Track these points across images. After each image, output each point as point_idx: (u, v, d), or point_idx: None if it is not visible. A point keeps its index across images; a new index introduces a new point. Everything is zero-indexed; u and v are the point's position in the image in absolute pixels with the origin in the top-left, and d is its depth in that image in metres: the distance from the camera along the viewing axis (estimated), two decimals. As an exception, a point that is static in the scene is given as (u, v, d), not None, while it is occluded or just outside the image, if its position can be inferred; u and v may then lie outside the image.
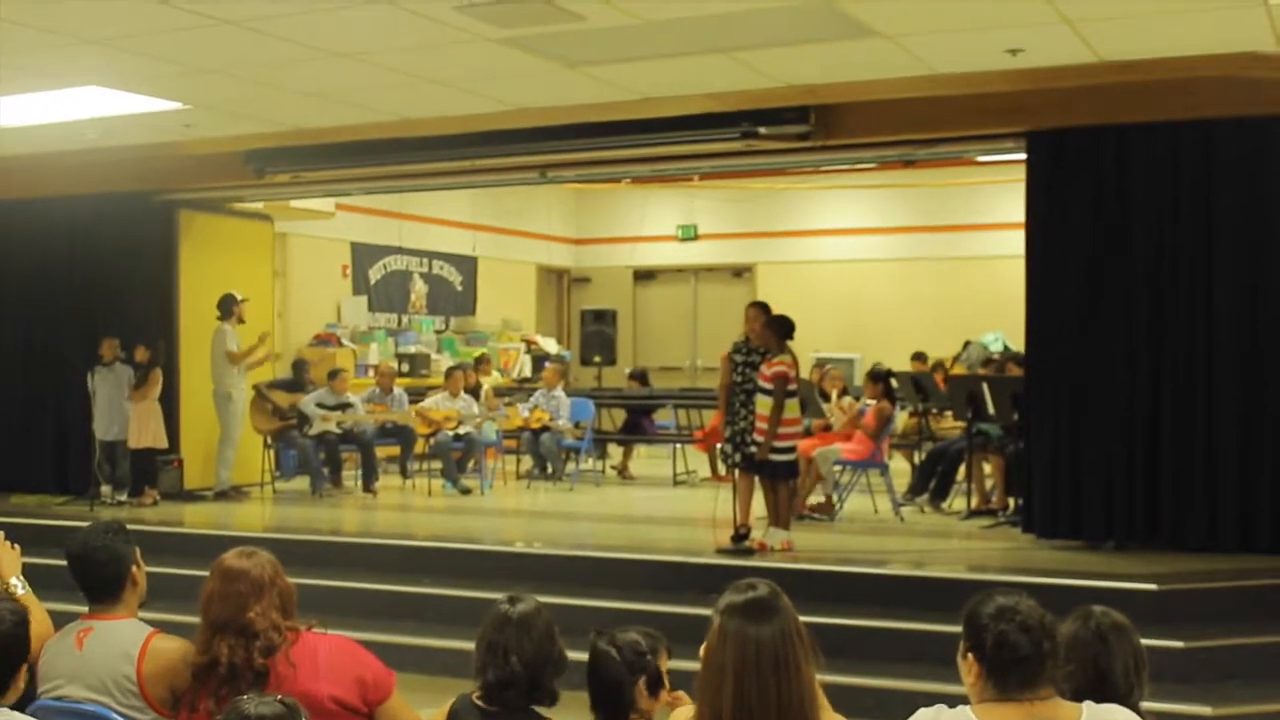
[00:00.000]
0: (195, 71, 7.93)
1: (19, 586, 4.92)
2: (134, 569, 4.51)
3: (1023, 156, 9.94)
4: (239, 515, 12.76)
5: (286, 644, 4.05)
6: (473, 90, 8.73)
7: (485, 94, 8.85)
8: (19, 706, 4.42)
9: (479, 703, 3.91)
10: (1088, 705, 3.25)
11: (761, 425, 9.63)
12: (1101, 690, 3.42)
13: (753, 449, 9.69)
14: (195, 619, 4.42)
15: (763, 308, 10.15)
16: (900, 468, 13.74)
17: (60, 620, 4.57)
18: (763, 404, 9.65)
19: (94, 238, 13.26)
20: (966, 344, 16.17)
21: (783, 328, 9.80)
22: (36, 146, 10.87)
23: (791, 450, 9.82)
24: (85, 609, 4.48)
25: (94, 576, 4.47)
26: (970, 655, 3.29)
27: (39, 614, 4.80)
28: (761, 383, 9.68)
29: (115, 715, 4.23)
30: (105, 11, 6.81)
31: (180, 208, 13.56)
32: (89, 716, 4.26)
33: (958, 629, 3.31)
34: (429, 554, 10.37)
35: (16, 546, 5.11)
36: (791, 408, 9.72)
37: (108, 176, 12.51)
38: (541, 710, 3.86)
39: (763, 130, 9.95)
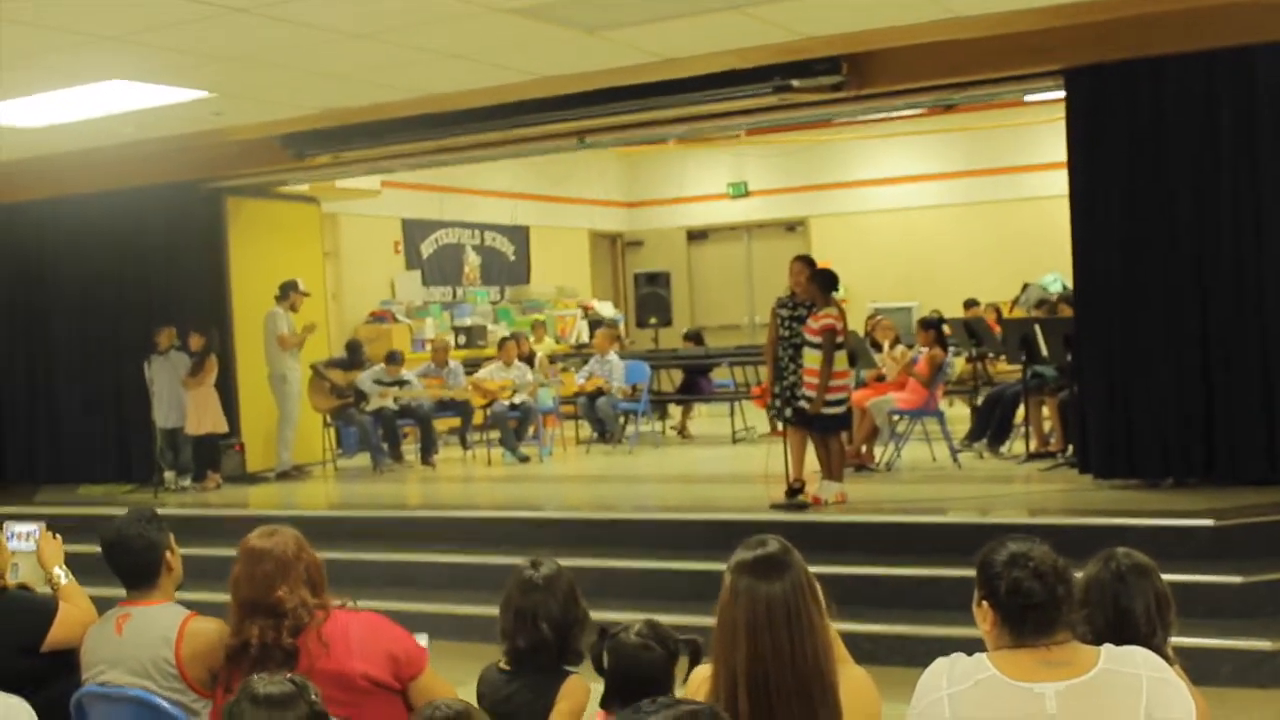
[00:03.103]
0: (215, 60, 7.95)
1: (62, 576, 5.01)
2: (168, 554, 4.57)
3: (1065, 96, 9.79)
4: (301, 494, 12.91)
5: (317, 622, 4.07)
6: (495, 63, 8.70)
7: (508, 66, 8.81)
8: (65, 694, 4.53)
9: (505, 667, 3.94)
10: (1106, 648, 3.21)
11: (810, 379, 9.58)
12: (1123, 632, 3.38)
13: (803, 403, 9.65)
14: None
15: (807, 261, 10.08)
16: (960, 414, 13.65)
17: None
18: (810, 358, 9.60)
19: (144, 229, 13.37)
20: (1025, 287, 16.02)
21: (827, 280, 9.74)
22: (77, 144, 10.97)
23: (842, 403, 9.77)
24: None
25: (129, 564, 4.54)
26: (985, 603, 3.26)
27: (82, 602, 4.90)
28: (809, 336, 9.63)
29: (157, 698, 4.29)
30: (119, 6, 6.84)
31: (227, 194, 13.65)
32: (132, 701, 4.33)
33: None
34: (485, 525, 10.43)
35: (59, 537, 5.21)
36: (840, 360, 9.67)
37: (153, 168, 12.61)
38: (569, 669, 3.89)
39: (795, 83, 9.85)
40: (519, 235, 20.53)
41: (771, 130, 19.01)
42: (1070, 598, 3.20)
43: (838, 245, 20.30)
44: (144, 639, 4.38)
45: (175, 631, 4.37)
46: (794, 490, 9.69)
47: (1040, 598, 3.15)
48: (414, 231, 18.62)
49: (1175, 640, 3.58)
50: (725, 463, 13.51)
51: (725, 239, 22.37)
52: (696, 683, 3.45)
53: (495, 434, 14.16)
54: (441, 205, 18.83)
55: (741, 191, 21.88)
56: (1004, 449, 12.03)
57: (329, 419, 14.12)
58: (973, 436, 12.25)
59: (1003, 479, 10.97)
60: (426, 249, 18.86)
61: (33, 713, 3.60)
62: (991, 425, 12.08)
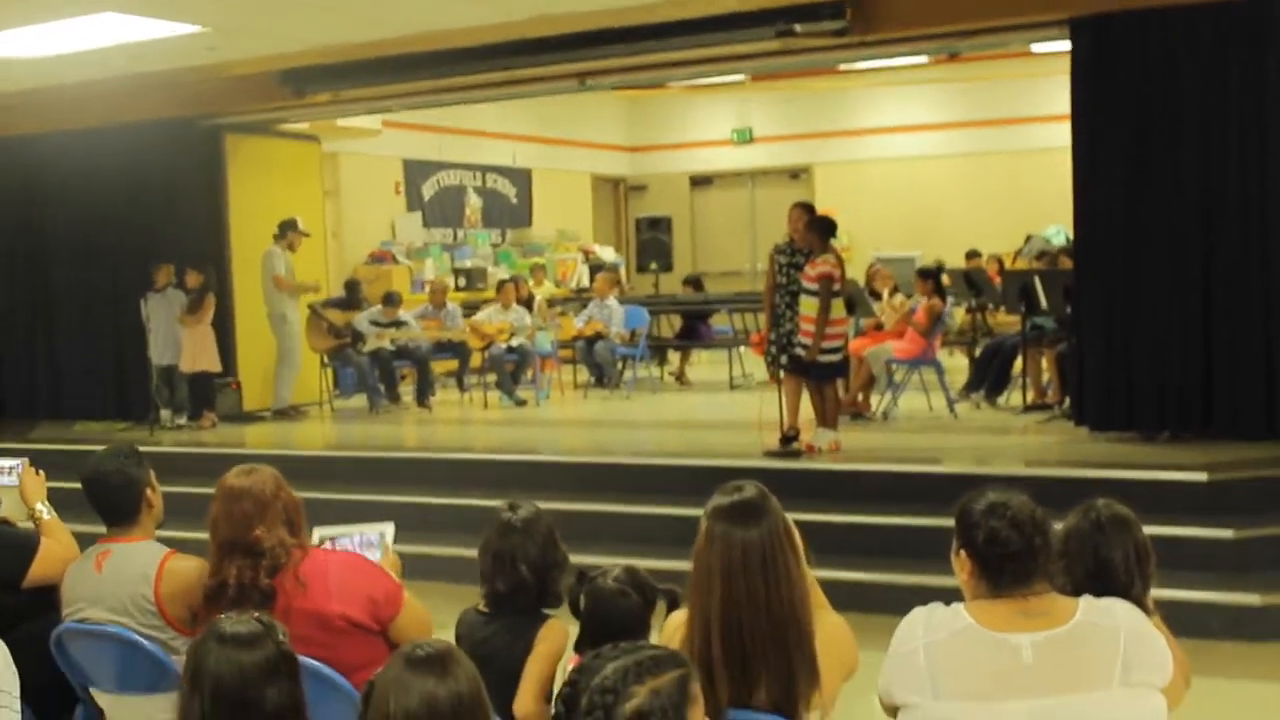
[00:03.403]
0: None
1: (44, 512, 4.99)
2: (148, 491, 4.54)
3: (1069, 47, 9.69)
4: (297, 434, 12.89)
5: (294, 561, 4.05)
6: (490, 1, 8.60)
7: (507, 2, 8.69)
8: (46, 630, 4.51)
9: (484, 610, 3.92)
10: (1085, 599, 3.19)
11: (807, 327, 9.53)
12: (1102, 583, 3.35)
13: (799, 351, 9.61)
14: None
15: (806, 208, 10.02)
16: (959, 364, 13.61)
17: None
18: (807, 305, 9.54)
19: (142, 165, 13.26)
20: (1028, 238, 15.95)
21: (825, 227, 9.66)
22: (68, 77, 10.87)
23: (838, 351, 9.72)
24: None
25: (108, 500, 4.52)
26: (962, 552, 3.25)
27: (64, 538, 4.88)
28: (806, 284, 9.57)
29: (136, 635, 4.27)
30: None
31: (226, 131, 13.54)
32: (110, 638, 4.31)
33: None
34: (477, 467, 10.40)
35: (42, 473, 5.18)
36: (837, 308, 9.63)
37: (151, 103, 12.52)
38: (548, 611, 3.87)
39: (799, 28, 9.74)
40: (521, 178, 20.42)
41: (776, 76, 18.94)
42: (1048, 548, 3.18)
43: (842, 193, 20.19)
44: (123, 576, 4.36)
45: (154, 569, 4.34)
46: (788, 438, 9.65)
47: (1017, 547, 3.13)
48: (415, 172, 18.51)
49: (1167, 593, 3.56)
50: (722, 409, 13.48)
51: (729, 185, 22.26)
52: (671, 628, 3.43)
53: (492, 377, 14.12)
54: (443, 146, 18.71)
55: (746, 138, 21.74)
56: (1001, 400, 12.00)
57: (326, 359, 14.07)
58: (970, 387, 12.22)
59: (999, 430, 10.94)
60: (428, 190, 18.76)
61: (7, 652, 3.57)
62: (989, 376, 12.05)
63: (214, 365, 12.89)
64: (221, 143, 13.56)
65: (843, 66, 16.72)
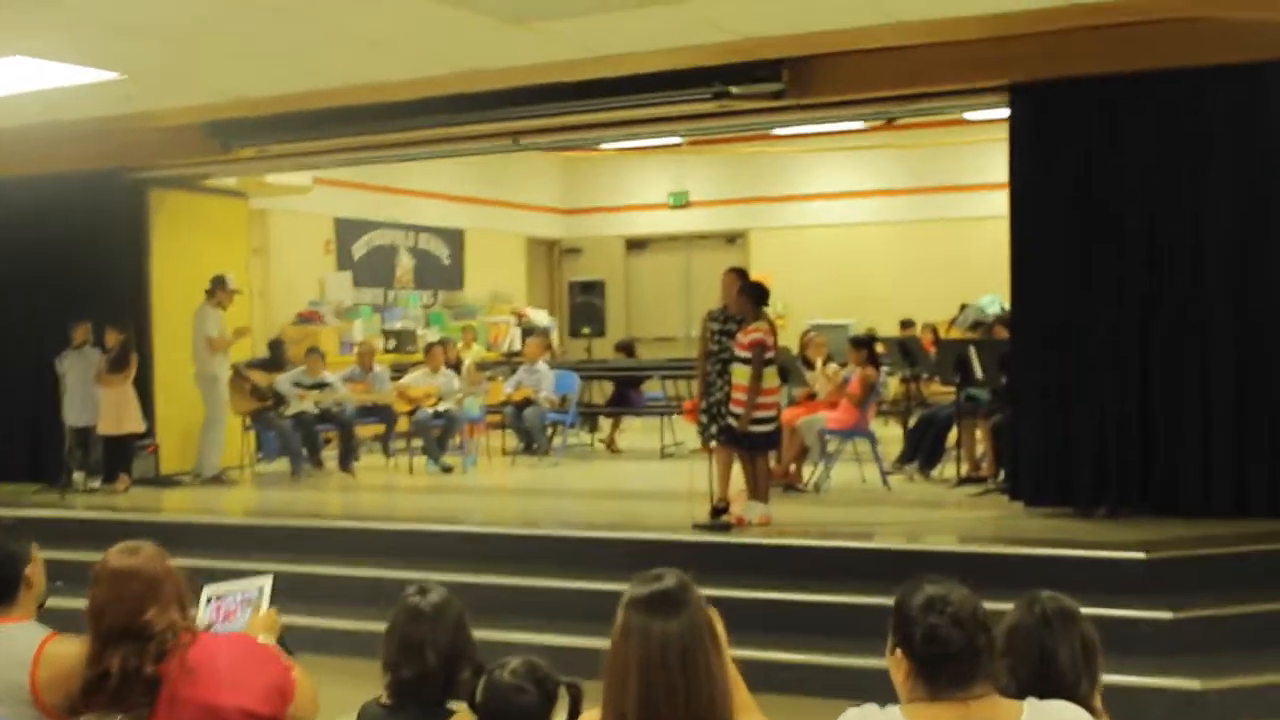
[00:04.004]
0: (122, 36, 7.53)
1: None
2: (27, 569, 4.22)
3: (1007, 113, 9.60)
4: (215, 500, 12.48)
5: (182, 646, 3.73)
6: (418, 54, 8.34)
7: (432, 57, 8.44)
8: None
9: (387, 703, 3.64)
10: (1029, 702, 2.95)
11: (739, 395, 9.32)
12: (1047, 681, 3.12)
13: (731, 420, 9.39)
14: None
15: (739, 274, 9.86)
16: (894, 434, 13.45)
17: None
18: (739, 373, 9.34)
19: (62, 217, 12.90)
20: (963, 307, 15.85)
21: (758, 294, 9.48)
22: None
23: (771, 421, 9.52)
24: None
25: (-15, 577, 4.20)
26: (898, 651, 3.00)
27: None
28: (738, 351, 9.37)
29: (6, 727, 3.96)
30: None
31: (151, 186, 13.25)
32: (-20, 728, 3.99)
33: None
34: (396, 537, 10.09)
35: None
36: (770, 376, 9.43)
37: (72, 153, 12.16)
38: (453, 705, 3.58)
39: (734, 90, 9.63)
40: (454, 238, 20.20)
41: (714, 140, 18.86)
42: (991, 647, 2.95)
43: (777, 259, 20.11)
44: (-2, 660, 4.04)
45: (31, 654, 4.01)
46: (718, 510, 9.41)
47: (958, 646, 2.89)
48: (346, 231, 18.23)
49: (1107, 678, 3.32)
50: (652, 478, 13.23)
51: (665, 249, 22.14)
52: (582, 731, 3.15)
53: (419, 442, 13.80)
54: (376, 205, 18.47)
55: (682, 202, 21.65)
56: (935, 472, 11.83)
57: (249, 422, 13.71)
58: (904, 459, 12.05)
59: (932, 504, 10.76)
60: (359, 250, 18.48)
61: None
62: (924, 448, 11.89)
63: (137, 426, 12.52)
64: (146, 197, 13.26)
65: (780, 131, 16.61)
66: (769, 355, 9.35)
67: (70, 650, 4.01)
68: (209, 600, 4.16)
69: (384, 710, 3.62)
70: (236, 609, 4.16)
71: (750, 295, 9.47)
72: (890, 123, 12.60)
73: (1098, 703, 3.20)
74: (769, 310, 9.59)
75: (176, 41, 7.72)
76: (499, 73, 9.06)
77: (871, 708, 3.01)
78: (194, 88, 9.15)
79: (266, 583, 4.24)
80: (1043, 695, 3.01)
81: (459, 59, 8.53)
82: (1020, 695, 3.01)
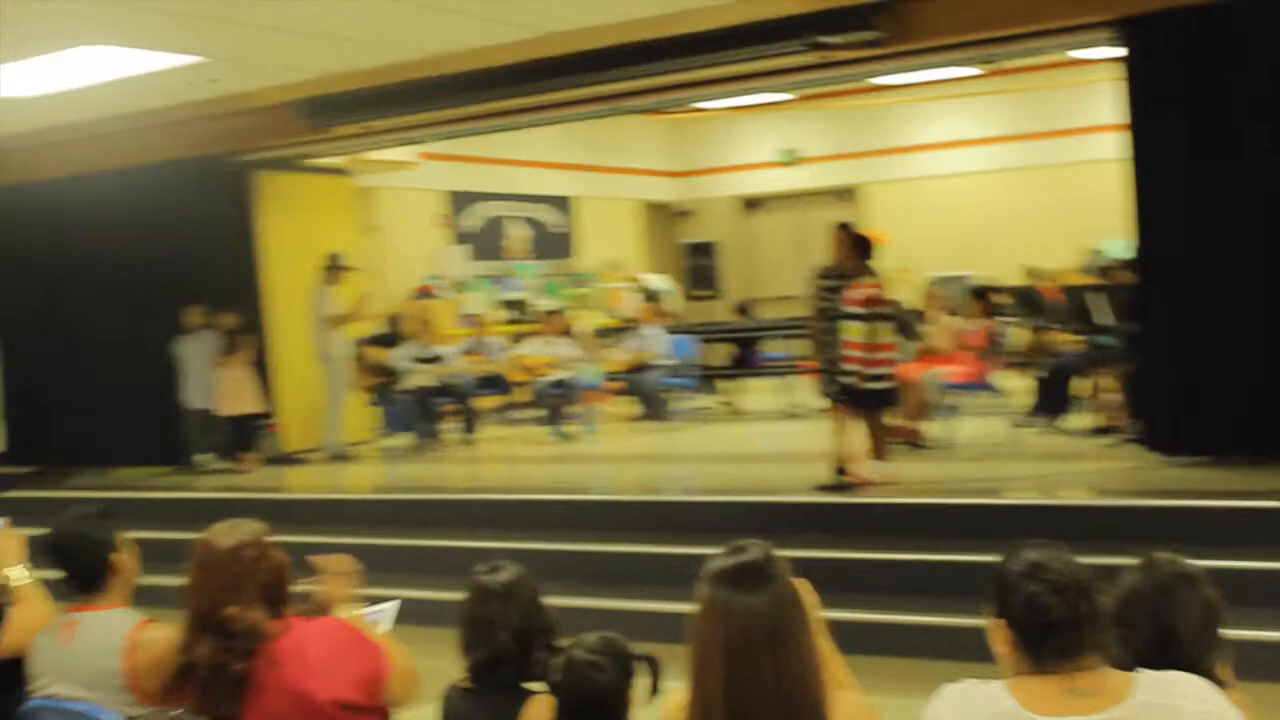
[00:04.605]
0: (201, 20, 7.50)
1: (22, 577, 4.64)
2: (115, 555, 4.18)
3: (1120, 52, 9.19)
4: (338, 476, 12.58)
5: (270, 639, 3.63)
6: (495, 18, 8.19)
7: (511, 20, 8.27)
8: (11, 707, 4.16)
9: (467, 686, 3.53)
10: (1143, 674, 2.73)
11: (851, 353, 9.08)
12: (1166, 652, 2.89)
13: (846, 379, 9.16)
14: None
15: (847, 229, 9.57)
16: (1021, 386, 13.09)
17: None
18: (851, 330, 9.09)
19: (172, 205, 12.98)
20: (1094, 253, 15.41)
21: (866, 248, 9.23)
22: (70, 116, 10.59)
23: (887, 378, 9.26)
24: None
25: (74, 566, 4.18)
26: (999, 620, 2.79)
27: (39, 606, 4.52)
28: (849, 308, 9.13)
29: (105, 714, 3.92)
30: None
31: (255, 169, 13.30)
32: (78, 716, 3.96)
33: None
34: (513, 507, 10.06)
35: (20, 533, 4.83)
36: (884, 332, 9.16)
37: (174, 142, 12.30)
38: (534, 686, 3.46)
39: (828, 40, 9.34)
40: (566, 206, 20.13)
41: (822, 95, 18.51)
42: (1096, 616, 2.72)
43: (892, 213, 19.76)
44: (92, 648, 4.03)
45: (125, 640, 4.01)
46: (840, 471, 9.20)
47: (1060, 615, 2.68)
48: (458, 204, 18.26)
49: (1243, 634, 3.08)
50: (774, 440, 13.02)
51: (778, 207, 21.84)
52: (670, 711, 2.99)
53: (539, 412, 13.76)
54: (486, 178, 18.44)
55: (793, 159, 21.32)
56: (1066, 424, 11.46)
57: (370, 397, 13.78)
58: (1033, 411, 11.70)
59: (1062, 457, 10.42)
60: (471, 222, 18.48)
61: None
62: (1053, 399, 11.52)
63: (255, 406, 12.65)
64: (251, 180, 13.31)
65: (886, 82, 16.22)
66: (882, 310, 9.10)
67: (164, 636, 3.98)
68: None
69: (463, 693, 3.52)
70: None
71: (859, 250, 9.22)
72: (992, 67, 12.16)
73: (1224, 673, 2.96)
74: (880, 264, 9.34)
75: (253, 23, 7.65)
76: (588, 33, 8.88)
77: (975, 682, 2.82)
78: (275, 68, 9.10)
79: (392, 607, 4.19)
80: (1161, 667, 2.79)
81: (537, 20, 8.35)
82: (1136, 666, 2.79)
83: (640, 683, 3.23)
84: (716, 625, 2.82)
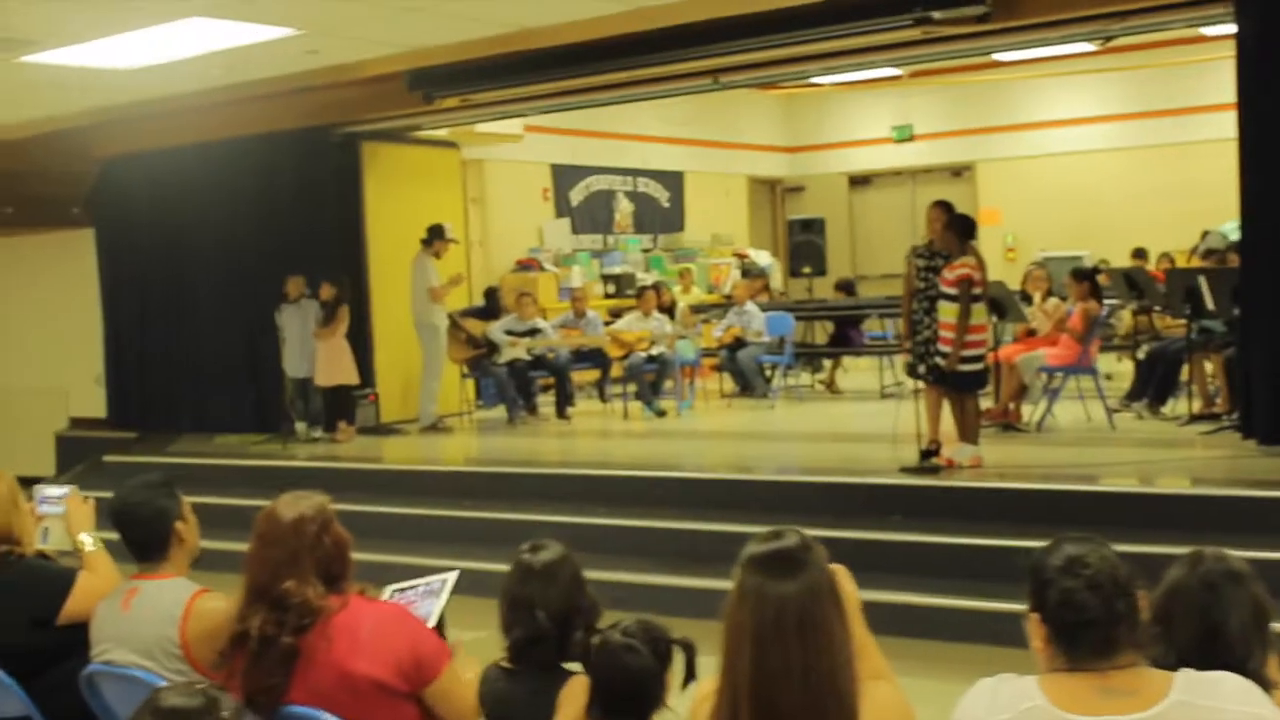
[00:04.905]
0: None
1: (89, 543, 4.72)
2: (178, 524, 4.23)
3: (1234, 29, 8.92)
4: (433, 448, 12.65)
5: (327, 613, 3.62)
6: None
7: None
8: (72, 671, 4.23)
9: (506, 665, 3.51)
10: (1184, 674, 2.63)
11: (945, 334, 8.95)
12: (1212, 652, 2.79)
13: (938, 359, 9.02)
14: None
15: (945, 207, 9.43)
16: (1125, 370, 12.82)
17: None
18: (946, 310, 8.96)
19: (278, 175, 13.15)
20: (1204, 234, 15.02)
21: (964, 227, 9.09)
22: (177, 87, 10.74)
23: (979, 359, 9.12)
24: None
25: (136, 534, 4.23)
26: (1034, 615, 2.71)
27: (106, 571, 4.61)
28: (944, 288, 8.99)
29: (160, 680, 3.96)
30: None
31: (361, 140, 13.40)
32: (135, 682, 4.00)
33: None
34: (598, 482, 10.04)
35: (91, 501, 4.91)
36: (977, 313, 9.01)
37: (282, 113, 12.44)
38: (571, 667, 3.44)
39: (936, 15, 9.18)
40: (673, 181, 20.03)
41: (935, 71, 18.23)
42: (1134, 614, 2.64)
43: (1005, 191, 19.44)
44: (149, 616, 4.08)
45: (181, 609, 4.06)
46: (928, 453, 9.07)
47: (1095, 614, 2.60)
48: (564, 178, 18.25)
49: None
50: (869, 420, 12.85)
51: (889, 185, 21.59)
52: (700, 697, 2.95)
53: (634, 387, 13.73)
54: (592, 151, 18.42)
55: (906, 135, 21.06)
56: (1166, 409, 11.19)
57: (466, 370, 13.84)
58: (1133, 395, 11.45)
59: (1160, 443, 10.15)
60: (576, 196, 18.48)
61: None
62: (1154, 384, 11.26)
63: (350, 378, 12.71)
64: (357, 151, 13.41)
65: (1002, 58, 15.93)
66: (976, 291, 8.94)
67: (219, 606, 4.01)
68: (389, 597, 4.09)
69: (503, 673, 3.51)
70: (417, 600, 4.06)
71: (956, 229, 9.08)
72: (1108, 43, 11.86)
73: (1272, 674, 2.85)
74: (982, 245, 9.18)
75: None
76: (690, 5, 8.82)
77: (1009, 677, 2.74)
78: (371, 40, 9.12)
79: (451, 577, 4.14)
80: (1206, 666, 2.69)
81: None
82: (1180, 666, 2.69)
83: (677, 668, 3.19)
84: (747, 611, 2.76)
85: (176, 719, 2.58)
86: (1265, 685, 2.74)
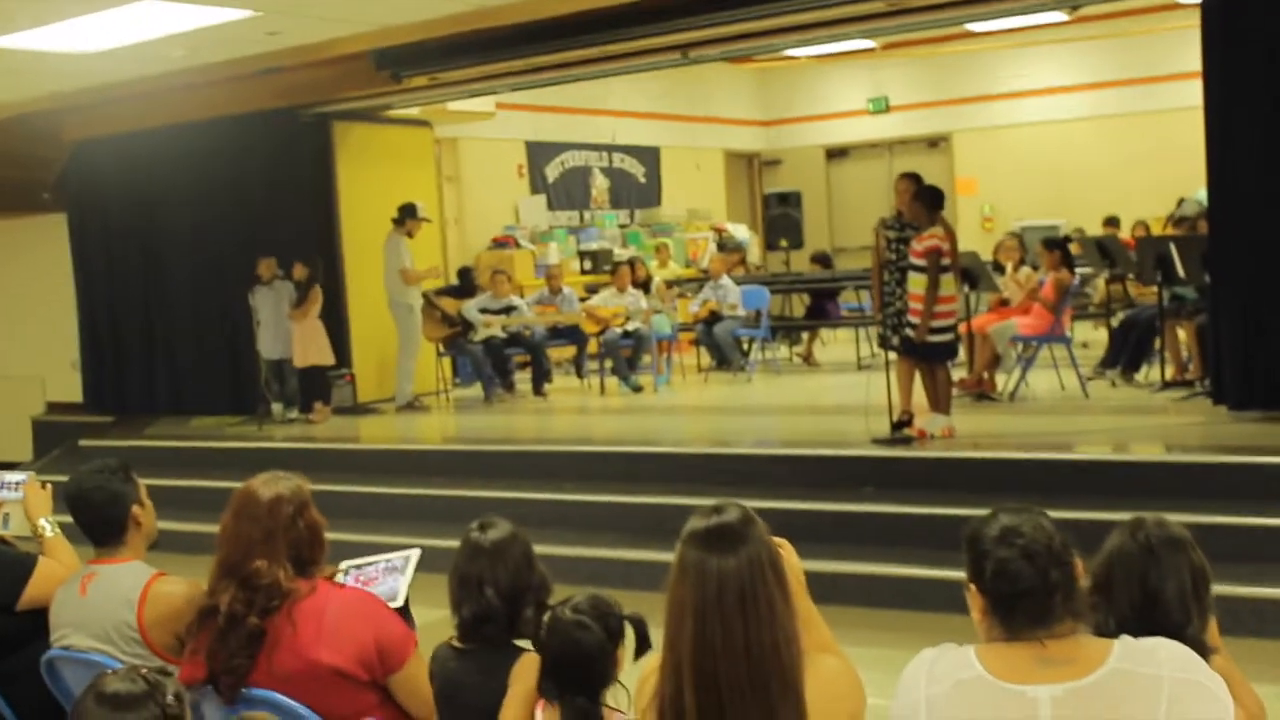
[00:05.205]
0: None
1: (47, 529, 4.70)
2: (135, 509, 4.22)
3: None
4: (410, 427, 12.63)
5: (295, 597, 3.61)
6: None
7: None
8: (34, 656, 4.22)
9: (456, 644, 3.51)
10: (1122, 641, 2.64)
11: (915, 305, 8.96)
12: (1151, 618, 2.82)
13: (909, 331, 9.04)
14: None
15: (913, 179, 9.41)
16: (1100, 338, 12.85)
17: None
18: (916, 282, 8.97)
19: (249, 156, 13.06)
20: (1180, 202, 15.06)
21: (933, 199, 9.06)
22: (140, 70, 10.65)
23: (950, 330, 9.13)
24: None
25: (92, 519, 4.22)
26: (973, 586, 2.72)
27: (66, 557, 4.60)
28: (914, 259, 9.00)
29: (119, 664, 3.95)
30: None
31: (333, 120, 13.33)
32: (93, 666, 4.00)
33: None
34: (577, 458, 10.07)
35: (49, 487, 4.89)
36: (946, 284, 9.01)
37: (250, 94, 12.33)
38: (522, 644, 3.44)
39: (901, -19, 9.17)
40: (650, 156, 19.99)
41: (911, 42, 18.22)
42: (1070, 583, 2.64)
43: (982, 161, 19.46)
44: (107, 601, 4.07)
45: (138, 593, 4.04)
46: (900, 424, 9.09)
47: (1029, 583, 2.61)
48: (538, 154, 18.19)
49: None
50: (844, 392, 12.84)
51: (866, 156, 21.59)
52: (645, 674, 2.96)
53: (610, 363, 13.72)
54: (567, 128, 18.37)
55: (882, 107, 21.05)
56: (1140, 376, 11.23)
57: (442, 348, 13.83)
58: (1106, 363, 11.48)
59: (1132, 410, 10.19)
60: (552, 172, 18.44)
61: None
62: (1127, 351, 11.30)
63: (325, 359, 12.68)
64: (329, 131, 13.34)
65: (977, 28, 15.89)
66: (945, 262, 8.95)
67: (177, 590, 4.02)
68: (345, 573, 4.09)
69: (453, 652, 3.51)
70: (378, 575, 4.06)
71: (925, 200, 9.06)
72: (1075, 11, 11.82)
73: (1211, 639, 2.86)
74: (950, 216, 9.18)
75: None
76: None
77: (949, 647, 2.76)
78: (331, 19, 9.05)
79: (414, 554, 4.13)
80: (1145, 632, 2.70)
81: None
82: (1120, 633, 2.70)
83: (627, 643, 3.20)
84: (688, 587, 2.77)
85: (118, 704, 2.59)
86: (1204, 651, 2.76)
